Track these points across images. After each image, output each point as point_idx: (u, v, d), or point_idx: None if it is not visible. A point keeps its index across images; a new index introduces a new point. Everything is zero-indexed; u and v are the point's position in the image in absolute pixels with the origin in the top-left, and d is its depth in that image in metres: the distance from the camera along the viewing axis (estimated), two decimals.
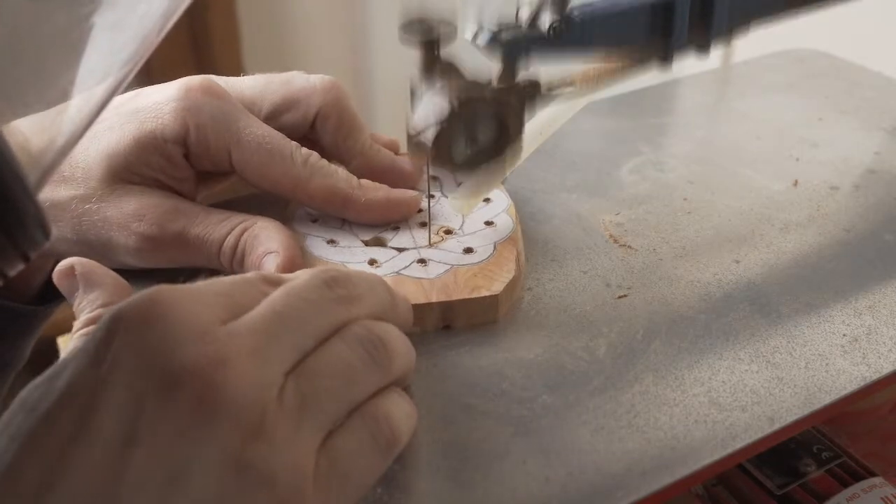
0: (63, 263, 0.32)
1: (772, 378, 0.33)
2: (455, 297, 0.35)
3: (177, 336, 0.24)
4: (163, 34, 0.25)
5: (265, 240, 0.36)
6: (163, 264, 0.38)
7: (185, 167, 0.38)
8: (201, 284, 0.26)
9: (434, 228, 0.39)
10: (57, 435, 0.22)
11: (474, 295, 0.35)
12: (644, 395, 0.32)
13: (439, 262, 0.37)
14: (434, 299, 0.35)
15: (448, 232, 0.39)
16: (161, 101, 0.37)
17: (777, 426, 0.31)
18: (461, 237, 0.39)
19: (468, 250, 0.38)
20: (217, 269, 0.37)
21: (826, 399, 0.32)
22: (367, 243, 0.38)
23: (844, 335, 0.36)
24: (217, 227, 0.37)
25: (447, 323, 0.35)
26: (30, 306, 0.40)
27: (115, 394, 0.23)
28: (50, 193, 0.37)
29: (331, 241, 0.38)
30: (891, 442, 0.46)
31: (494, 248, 0.38)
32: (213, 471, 0.23)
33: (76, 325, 0.31)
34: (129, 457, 0.22)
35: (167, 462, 0.22)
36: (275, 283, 0.28)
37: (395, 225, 0.39)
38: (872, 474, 0.40)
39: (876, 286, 0.39)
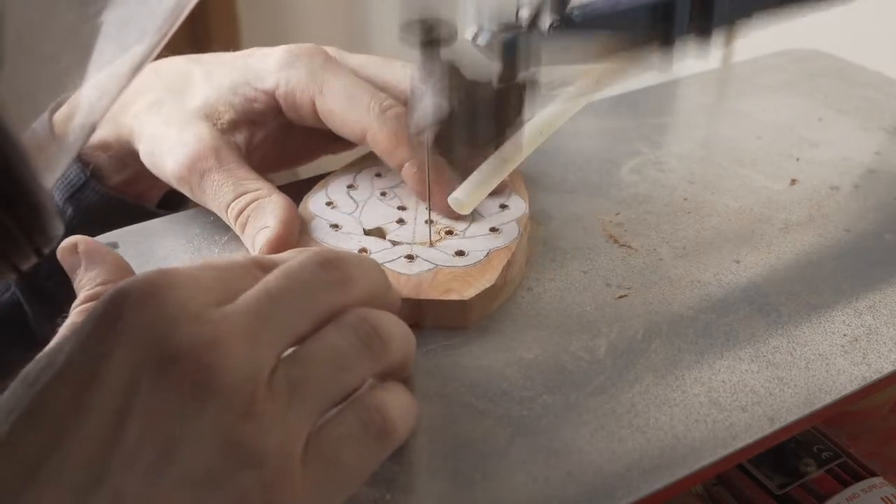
0: (67, 241, 0.33)
1: (772, 378, 0.33)
2: (424, 297, 0.35)
3: (175, 317, 0.24)
4: (174, 28, 0.25)
5: (267, 214, 0.38)
6: (195, 198, 0.40)
7: (264, 114, 0.41)
8: (199, 266, 0.27)
9: (437, 228, 0.39)
10: (54, 408, 0.23)
11: (444, 297, 0.35)
12: (644, 395, 0.32)
13: (426, 261, 0.37)
14: (404, 295, 0.35)
15: (449, 233, 0.39)
16: (266, 59, 0.41)
17: (777, 426, 0.31)
18: (460, 240, 0.39)
19: (459, 253, 0.37)
20: (223, 220, 0.40)
21: (826, 399, 0.32)
22: (368, 232, 0.39)
23: (845, 335, 0.36)
24: (235, 185, 0.39)
25: (415, 321, 0.35)
26: (161, 209, 0.46)
27: (113, 369, 0.23)
28: (150, 114, 0.41)
29: (334, 226, 0.39)
30: (891, 442, 0.46)
31: (487, 254, 0.37)
32: (202, 448, 0.23)
33: (76, 301, 0.32)
34: (122, 430, 0.23)
35: (159, 438, 0.23)
36: (268, 267, 0.28)
37: (401, 218, 0.40)
38: (872, 474, 0.40)
39: (876, 286, 0.39)
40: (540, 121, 0.40)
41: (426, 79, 0.34)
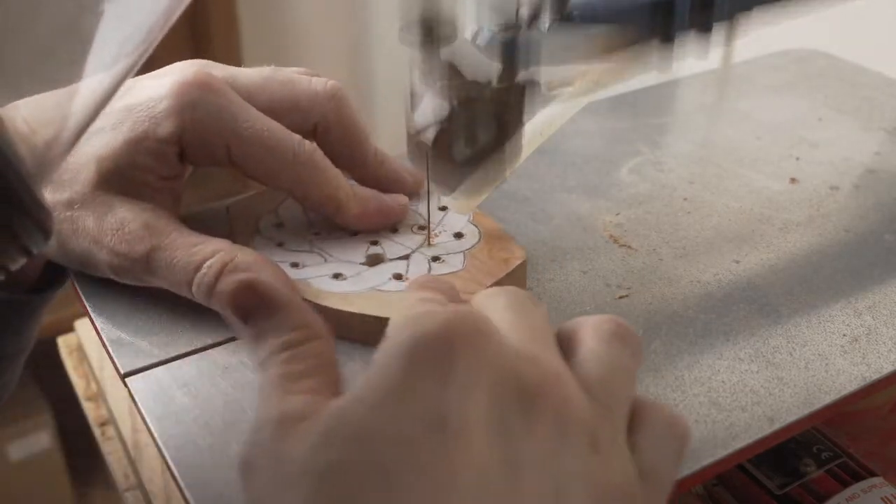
0: (242, 280, 0.26)
1: (772, 378, 0.33)
2: (500, 275, 0.35)
3: (509, 352, 0.23)
4: (168, 26, 0.25)
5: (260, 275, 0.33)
6: (145, 283, 0.35)
7: (176, 165, 0.36)
8: None
9: (407, 230, 0.39)
10: (429, 461, 0.21)
11: (511, 267, 0.36)
12: (644, 394, 0.32)
13: (450, 254, 0.37)
14: (489, 284, 0.35)
15: (422, 228, 0.39)
16: (154, 97, 0.35)
17: (777, 426, 0.31)
18: (439, 227, 0.39)
19: (458, 235, 0.38)
20: (185, 296, 0.34)
21: (826, 399, 0.32)
22: (367, 264, 0.37)
23: (844, 335, 0.36)
24: (189, 253, 0.34)
25: None
26: (29, 295, 0.38)
27: (474, 415, 0.22)
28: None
29: (337, 276, 0.36)
30: (891, 442, 0.46)
31: (475, 224, 0.39)
32: (581, 487, 0.22)
33: (267, 350, 0.26)
34: (518, 479, 0.21)
35: (552, 481, 0.22)
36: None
37: (373, 240, 0.38)
38: (872, 474, 0.40)
39: (876, 286, 0.39)
40: (540, 121, 0.39)
41: (426, 79, 0.34)
